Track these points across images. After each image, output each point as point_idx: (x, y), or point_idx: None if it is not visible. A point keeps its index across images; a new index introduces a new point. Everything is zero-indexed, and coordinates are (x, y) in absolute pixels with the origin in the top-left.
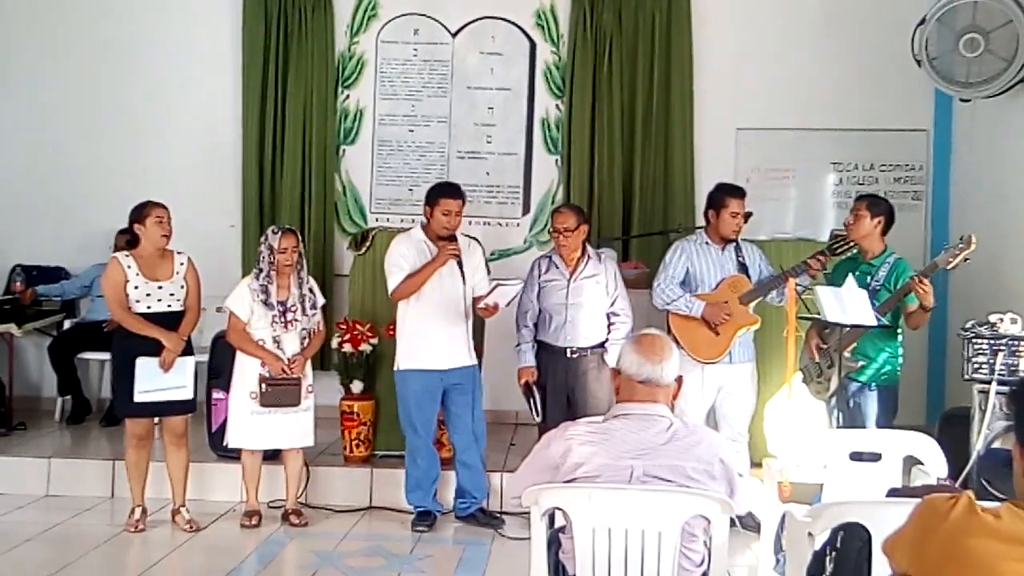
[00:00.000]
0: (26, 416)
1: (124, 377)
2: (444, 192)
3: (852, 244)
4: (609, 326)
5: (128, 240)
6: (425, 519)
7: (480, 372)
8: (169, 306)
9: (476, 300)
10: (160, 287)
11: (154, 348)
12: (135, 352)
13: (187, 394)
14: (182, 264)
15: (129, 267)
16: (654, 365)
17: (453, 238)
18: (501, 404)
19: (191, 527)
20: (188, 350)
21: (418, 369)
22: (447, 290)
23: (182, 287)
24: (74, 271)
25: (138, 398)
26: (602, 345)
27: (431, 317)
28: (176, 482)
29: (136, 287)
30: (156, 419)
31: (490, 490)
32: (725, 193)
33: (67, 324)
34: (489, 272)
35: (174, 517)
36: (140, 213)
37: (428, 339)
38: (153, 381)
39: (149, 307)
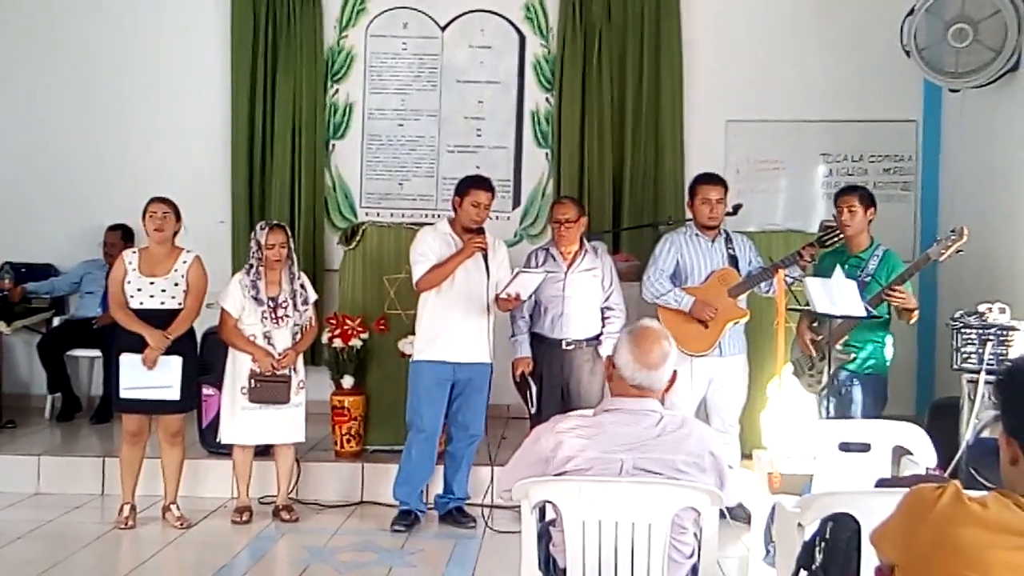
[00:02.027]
0: (16, 414)
1: (112, 372)
2: (475, 184)
3: (841, 236)
4: (604, 320)
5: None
6: (405, 519)
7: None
8: (163, 303)
9: (496, 294)
10: (152, 283)
11: (139, 344)
12: (121, 347)
13: (173, 394)
14: (185, 262)
15: (130, 263)
16: (649, 372)
17: (481, 231)
18: (494, 398)
19: (182, 523)
20: (178, 350)
21: (431, 360)
22: (470, 284)
23: (177, 284)
24: (63, 268)
25: (123, 394)
26: (597, 338)
27: (451, 310)
28: (169, 479)
29: (130, 282)
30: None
31: (490, 485)
32: (696, 181)
33: (56, 321)
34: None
35: (164, 514)
36: (143, 209)
37: (445, 331)
38: (137, 378)
39: (142, 303)
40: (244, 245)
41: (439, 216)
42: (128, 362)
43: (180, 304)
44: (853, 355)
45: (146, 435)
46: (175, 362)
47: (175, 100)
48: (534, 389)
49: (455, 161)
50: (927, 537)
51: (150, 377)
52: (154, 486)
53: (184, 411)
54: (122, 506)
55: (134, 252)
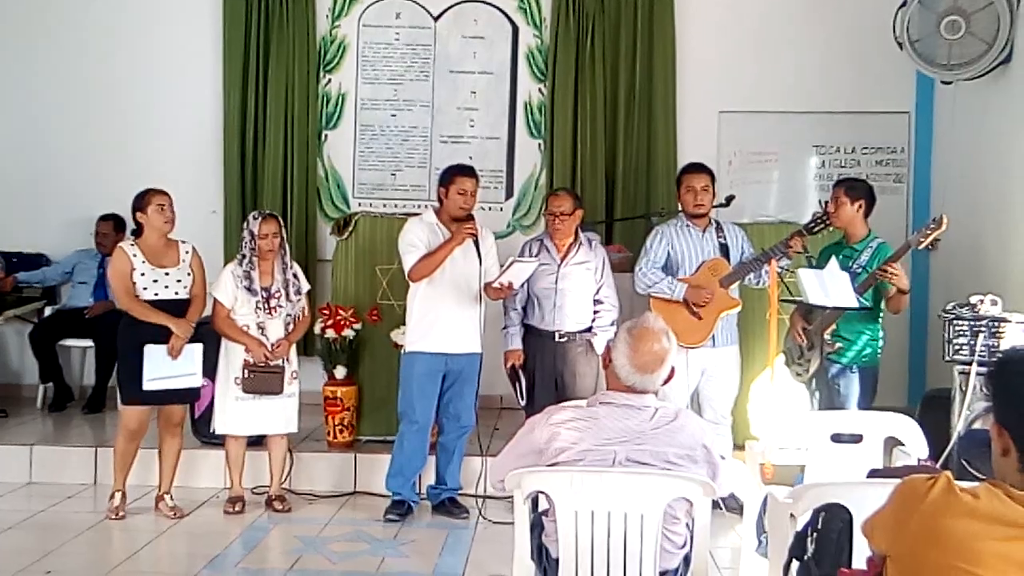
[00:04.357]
0: (7, 404)
1: (131, 365)
2: (459, 171)
3: (827, 223)
4: (594, 313)
5: (133, 230)
6: (398, 508)
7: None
8: (176, 293)
9: (488, 283)
10: (167, 274)
11: (162, 335)
12: (143, 339)
13: (196, 381)
14: (187, 252)
15: (135, 255)
16: (643, 376)
17: (470, 218)
18: (486, 389)
19: (175, 514)
20: (196, 337)
21: (424, 352)
22: (460, 272)
23: (188, 274)
24: (55, 257)
25: (147, 386)
26: (590, 330)
27: (442, 299)
28: (165, 469)
29: (143, 274)
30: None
31: (480, 475)
32: (681, 171)
33: (48, 311)
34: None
35: (158, 504)
36: (142, 201)
37: (437, 321)
38: (162, 368)
39: (156, 294)
40: (236, 235)
41: (426, 207)
42: (152, 353)
43: (188, 294)
44: (839, 345)
45: (146, 430)
46: (197, 349)
47: (167, 89)
48: (523, 382)
49: (448, 152)
50: (918, 528)
51: (174, 366)
52: (146, 476)
53: (197, 398)
54: (113, 493)
55: (133, 245)
